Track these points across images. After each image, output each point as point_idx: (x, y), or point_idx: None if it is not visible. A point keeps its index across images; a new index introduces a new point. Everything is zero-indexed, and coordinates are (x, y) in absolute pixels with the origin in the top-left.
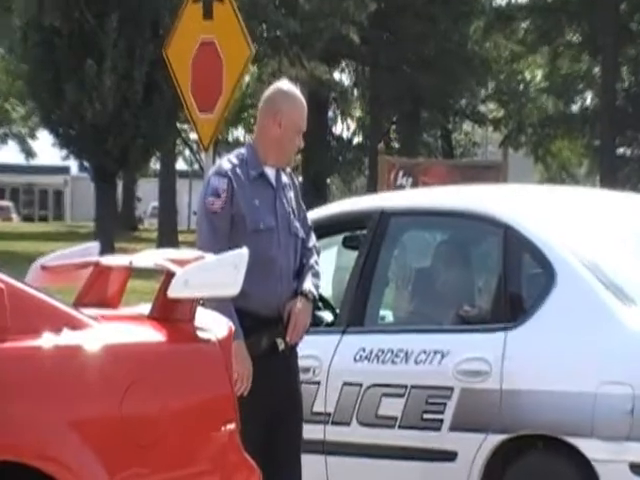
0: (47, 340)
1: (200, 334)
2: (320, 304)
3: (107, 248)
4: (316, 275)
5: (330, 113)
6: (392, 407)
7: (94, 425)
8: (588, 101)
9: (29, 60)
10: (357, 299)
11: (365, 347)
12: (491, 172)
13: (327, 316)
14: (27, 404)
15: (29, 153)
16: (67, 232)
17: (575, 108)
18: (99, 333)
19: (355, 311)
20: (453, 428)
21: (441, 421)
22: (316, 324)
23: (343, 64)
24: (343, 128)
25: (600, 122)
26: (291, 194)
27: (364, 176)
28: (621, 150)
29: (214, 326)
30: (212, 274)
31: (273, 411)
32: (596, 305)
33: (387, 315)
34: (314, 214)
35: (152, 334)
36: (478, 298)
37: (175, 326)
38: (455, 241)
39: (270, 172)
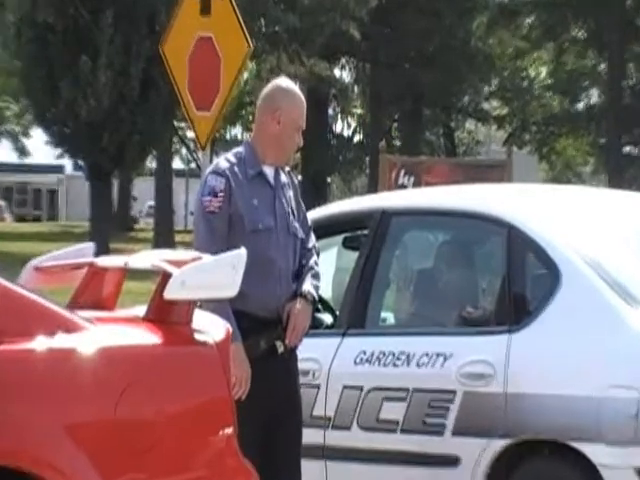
0: (41, 343)
1: (197, 336)
2: (320, 306)
3: (102, 248)
4: (316, 276)
5: (330, 111)
6: (393, 411)
7: (89, 429)
8: (594, 98)
9: (23, 57)
10: (358, 301)
11: (366, 350)
12: (495, 171)
13: (327, 318)
14: (20, 408)
15: (22, 151)
16: (61, 232)
17: (580, 105)
18: (94, 336)
19: (356, 313)
20: (456, 432)
21: (444, 425)
22: (316, 326)
23: (343, 60)
24: (343, 126)
25: (606, 120)
26: (290, 193)
27: (365, 175)
28: (627, 149)
29: (211, 328)
30: (209, 275)
31: (272, 414)
32: (602, 307)
33: (388, 317)
34: (314, 214)
35: (148, 336)
36: (481, 299)
37: (171, 328)
38: (458, 241)
39: (269, 171)
